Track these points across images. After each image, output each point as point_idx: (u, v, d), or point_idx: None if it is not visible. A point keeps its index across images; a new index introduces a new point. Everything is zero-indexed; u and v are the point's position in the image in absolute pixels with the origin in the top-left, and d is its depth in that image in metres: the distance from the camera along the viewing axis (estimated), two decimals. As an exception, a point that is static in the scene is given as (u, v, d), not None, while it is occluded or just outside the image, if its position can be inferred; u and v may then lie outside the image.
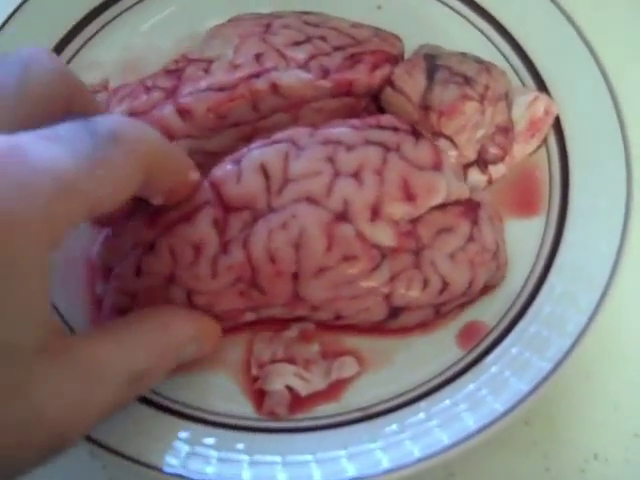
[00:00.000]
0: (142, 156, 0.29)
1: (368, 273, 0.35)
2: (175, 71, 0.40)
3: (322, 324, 0.38)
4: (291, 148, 0.35)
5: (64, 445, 0.27)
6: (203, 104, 0.38)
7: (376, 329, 0.38)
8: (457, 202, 0.37)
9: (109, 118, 0.28)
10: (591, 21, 0.43)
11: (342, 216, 0.34)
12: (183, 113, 0.38)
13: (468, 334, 0.38)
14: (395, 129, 0.37)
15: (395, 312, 0.36)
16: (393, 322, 0.37)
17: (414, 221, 0.36)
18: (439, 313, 0.38)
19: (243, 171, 0.35)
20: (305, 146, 0.35)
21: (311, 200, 0.34)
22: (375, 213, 0.35)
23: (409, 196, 0.35)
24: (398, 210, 0.35)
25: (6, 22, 0.43)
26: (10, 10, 0.43)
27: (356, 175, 0.35)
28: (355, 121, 0.37)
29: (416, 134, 0.37)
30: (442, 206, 0.37)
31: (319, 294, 0.35)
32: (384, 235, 0.35)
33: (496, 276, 0.38)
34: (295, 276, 0.34)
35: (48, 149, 0.25)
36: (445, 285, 0.36)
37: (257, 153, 0.35)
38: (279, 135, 0.36)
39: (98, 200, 0.27)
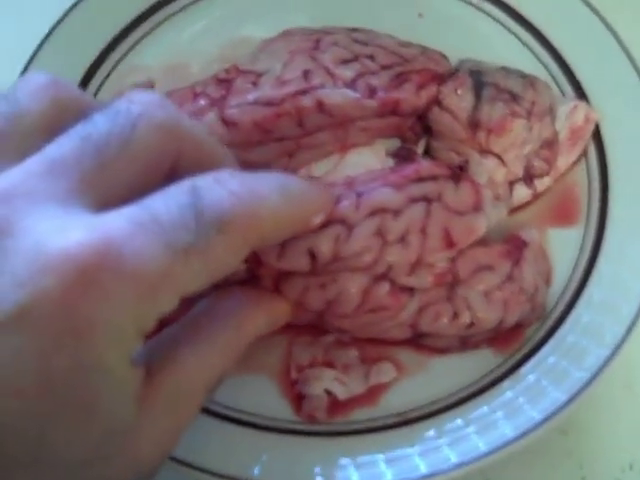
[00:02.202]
0: (251, 241, 0.27)
1: (395, 315, 0.36)
2: (225, 81, 0.41)
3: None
4: (341, 230, 0.35)
5: (152, 473, 0.27)
6: (249, 117, 0.39)
7: (415, 346, 0.38)
8: (504, 240, 0.39)
9: (221, 197, 0.25)
10: (631, 30, 0.43)
11: (382, 276, 0.35)
12: (229, 123, 0.39)
13: (505, 342, 0.38)
14: (434, 178, 0.37)
15: (420, 335, 0.37)
16: (419, 340, 0.38)
17: (454, 258, 0.37)
18: (465, 344, 0.38)
19: (287, 249, 0.34)
20: (355, 223, 0.35)
21: (355, 270, 0.35)
22: (414, 267, 0.36)
23: (450, 244, 0.36)
24: (438, 258, 0.36)
25: (56, 25, 0.44)
26: (60, 13, 0.45)
27: (402, 239, 0.35)
28: (394, 177, 0.36)
29: (455, 177, 0.37)
30: (485, 242, 0.38)
31: (346, 326, 0.37)
32: (420, 281, 0.36)
33: (530, 317, 0.39)
34: (321, 314, 0.36)
35: (141, 244, 0.23)
36: (474, 320, 0.37)
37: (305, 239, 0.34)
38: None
39: (191, 288, 0.25)
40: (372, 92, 0.39)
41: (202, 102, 0.40)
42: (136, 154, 0.26)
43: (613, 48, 0.43)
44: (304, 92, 0.38)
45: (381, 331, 0.37)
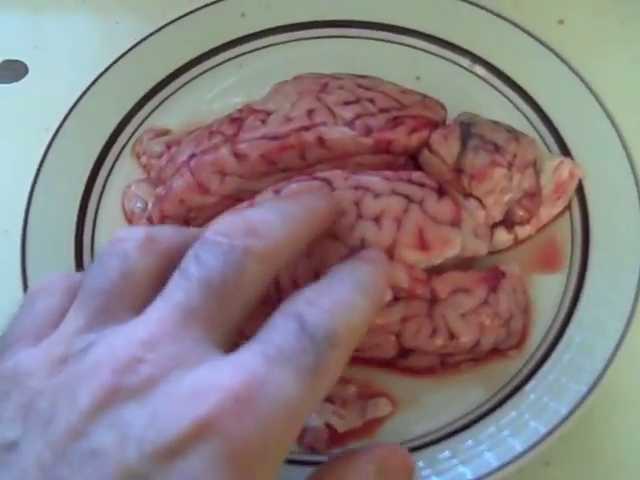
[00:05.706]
0: (354, 344, 0.29)
1: (380, 310, 0.38)
2: (238, 119, 0.44)
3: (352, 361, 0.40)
4: (325, 187, 0.38)
5: None
6: (257, 150, 0.41)
7: (401, 368, 0.40)
8: (484, 270, 0.40)
9: (321, 317, 0.27)
10: (614, 96, 0.46)
11: None
12: (239, 157, 0.41)
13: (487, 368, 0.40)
14: (422, 185, 0.39)
15: (404, 352, 0.39)
16: (403, 362, 0.40)
17: (431, 272, 0.38)
18: (445, 363, 0.40)
19: None
20: (338, 187, 0.38)
21: (333, 235, 0.37)
22: (389, 255, 0.37)
23: (423, 245, 0.38)
24: (411, 256, 0.38)
25: (89, 88, 0.49)
26: (93, 77, 0.49)
27: (377, 219, 0.38)
28: (388, 173, 0.40)
29: (441, 191, 0.39)
30: (465, 268, 0.40)
31: None
32: (398, 277, 0.38)
33: (507, 343, 0.41)
34: None
35: (278, 375, 0.25)
36: (451, 338, 0.39)
37: (295, 185, 0.39)
38: (319, 174, 0.39)
39: (318, 404, 0.27)
40: (368, 131, 0.41)
41: (217, 139, 0.43)
42: (249, 288, 0.28)
43: (596, 111, 0.45)
44: (307, 128, 0.41)
45: (370, 340, 0.39)
